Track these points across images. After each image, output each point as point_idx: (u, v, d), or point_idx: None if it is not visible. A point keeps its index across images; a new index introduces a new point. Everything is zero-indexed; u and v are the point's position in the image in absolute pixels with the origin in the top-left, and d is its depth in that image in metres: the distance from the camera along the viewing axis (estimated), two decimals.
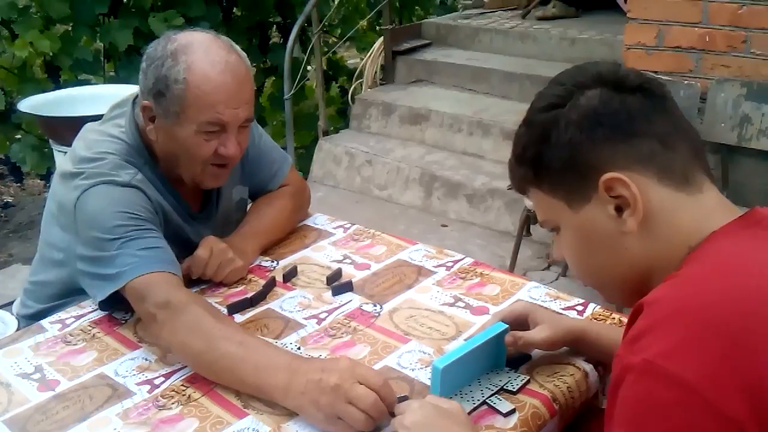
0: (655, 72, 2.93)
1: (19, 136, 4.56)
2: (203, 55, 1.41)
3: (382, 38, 4.83)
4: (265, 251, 1.69)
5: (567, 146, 0.92)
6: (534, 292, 1.50)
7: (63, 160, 1.55)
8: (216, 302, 1.47)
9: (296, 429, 1.13)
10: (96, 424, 1.15)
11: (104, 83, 4.39)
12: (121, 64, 4.56)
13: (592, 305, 1.45)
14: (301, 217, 1.85)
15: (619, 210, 0.91)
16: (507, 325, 1.22)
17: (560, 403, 1.19)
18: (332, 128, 4.69)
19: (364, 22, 5.90)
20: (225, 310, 1.44)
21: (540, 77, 4.01)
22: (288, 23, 5.43)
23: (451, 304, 1.46)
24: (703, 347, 0.75)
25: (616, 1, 4.42)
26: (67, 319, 1.45)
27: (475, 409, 1.15)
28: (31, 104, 3.47)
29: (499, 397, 1.17)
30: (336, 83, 5.98)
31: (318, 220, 1.87)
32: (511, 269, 2.91)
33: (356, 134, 4.51)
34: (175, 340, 1.28)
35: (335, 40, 5.65)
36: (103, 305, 1.42)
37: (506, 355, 1.24)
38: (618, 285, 0.98)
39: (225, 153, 1.46)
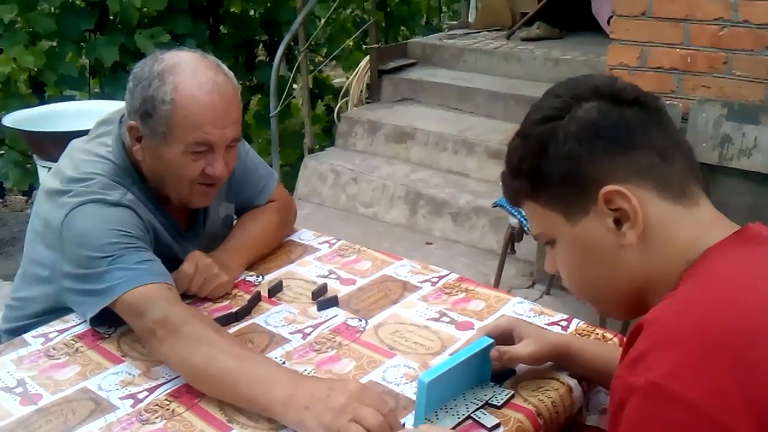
0: None
1: (2, 152, 4.53)
2: (190, 76, 1.41)
3: (368, 57, 4.87)
4: (250, 266, 1.68)
5: (566, 159, 0.91)
6: (519, 308, 1.51)
7: (48, 176, 1.53)
8: None
9: None
10: None
11: (89, 99, 4.39)
12: (106, 80, 4.56)
13: (576, 321, 1.46)
14: (287, 232, 1.85)
15: (618, 223, 0.91)
16: (492, 340, 1.22)
17: (544, 417, 1.19)
18: (318, 146, 4.70)
19: (350, 42, 5.95)
20: None
21: (524, 97, 4.05)
22: (274, 41, 5.45)
23: (437, 319, 1.47)
24: (705, 366, 0.74)
25: (599, 23, 4.47)
26: (50, 333, 1.44)
27: (459, 423, 1.15)
28: (15, 119, 3.46)
29: (483, 411, 1.17)
30: (322, 101, 6.01)
31: (303, 235, 1.87)
32: (496, 287, 2.91)
33: (342, 152, 4.53)
34: (175, 356, 1.27)
35: (321, 58, 5.68)
36: (93, 321, 1.41)
37: (491, 370, 1.24)
38: (615, 298, 0.98)
39: (212, 173, 1.46)
